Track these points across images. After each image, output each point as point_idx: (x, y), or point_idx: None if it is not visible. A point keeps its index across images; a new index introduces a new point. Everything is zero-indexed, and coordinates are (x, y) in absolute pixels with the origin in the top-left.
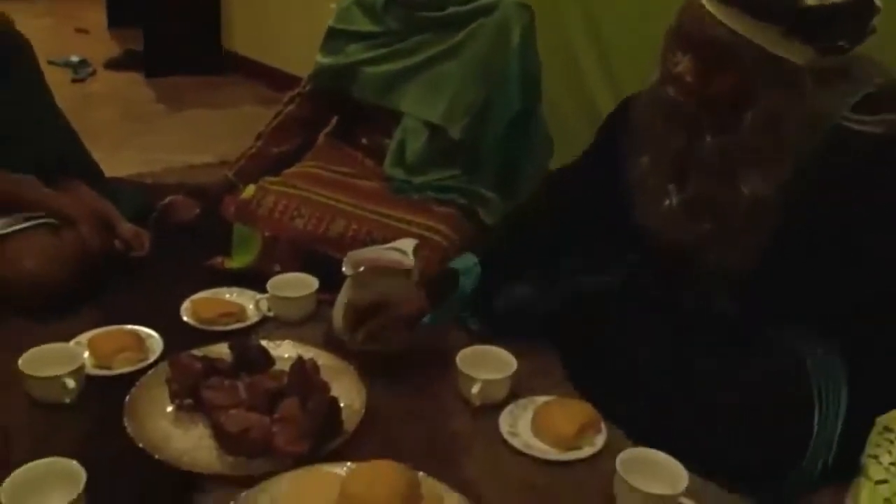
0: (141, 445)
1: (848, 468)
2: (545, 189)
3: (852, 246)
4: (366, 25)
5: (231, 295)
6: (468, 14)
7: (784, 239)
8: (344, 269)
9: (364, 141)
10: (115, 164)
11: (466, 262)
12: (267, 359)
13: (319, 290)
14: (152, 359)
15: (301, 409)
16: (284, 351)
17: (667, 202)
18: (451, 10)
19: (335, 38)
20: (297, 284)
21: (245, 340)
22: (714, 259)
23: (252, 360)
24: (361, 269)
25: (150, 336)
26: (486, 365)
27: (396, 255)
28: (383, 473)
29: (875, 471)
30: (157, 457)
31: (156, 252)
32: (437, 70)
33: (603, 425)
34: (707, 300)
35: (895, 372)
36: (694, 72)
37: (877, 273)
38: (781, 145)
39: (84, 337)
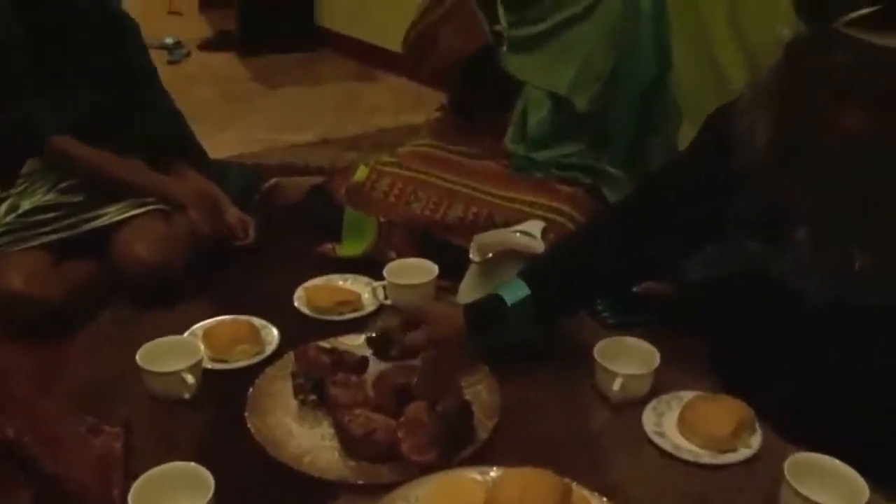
0: (261, 444)
1: None
2: (643, 193)
3: None
4: None
5: (345, 282)
6: None
7: None
8: (471, 254)
9: (483, 116)
10: (217, 145)
11: (516, 291)
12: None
13: (439, 277)
14: (269, 351)
15: (430, 412)
16: None
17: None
18: None
19: None
20: (416, 270)
21: (385, 336)
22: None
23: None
24: (490, 255)
25: (265, 326)
26: (625, 357)
27: (525, 240)
28: (534, 481)
29: None
30: (276, 458)
31: (263, 237)
32: (563, 37)
33: (757, 425)
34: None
35: None
36: (873, 122)
37: None
38: None
39: (198, 328)
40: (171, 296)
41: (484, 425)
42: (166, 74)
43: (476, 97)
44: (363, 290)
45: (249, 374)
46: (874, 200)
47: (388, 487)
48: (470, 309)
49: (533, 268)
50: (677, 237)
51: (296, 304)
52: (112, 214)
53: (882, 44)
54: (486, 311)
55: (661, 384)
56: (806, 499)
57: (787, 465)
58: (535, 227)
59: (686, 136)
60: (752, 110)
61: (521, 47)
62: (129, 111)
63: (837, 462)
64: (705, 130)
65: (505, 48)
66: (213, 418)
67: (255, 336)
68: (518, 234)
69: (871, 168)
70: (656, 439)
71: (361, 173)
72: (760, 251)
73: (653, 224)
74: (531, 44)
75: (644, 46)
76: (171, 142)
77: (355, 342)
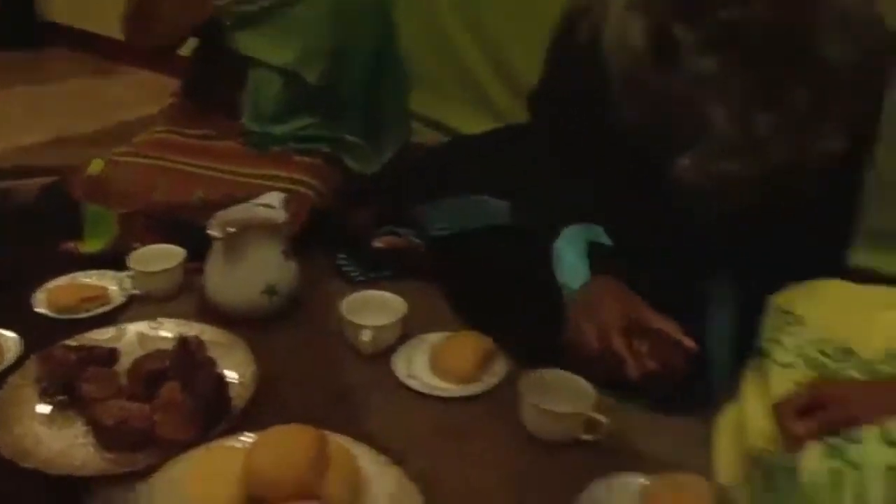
0: (9, 457)
1: None
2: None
3: None
4: None
5: (90, 278)
6: None
7: None
8: (210, 231)
9: (217, 97)
10: None
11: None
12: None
13: (187, 260)
14: (11, 359)
15: (183, 391)
16: (168, 330)
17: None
18: None
19: None
20: (162, 257)
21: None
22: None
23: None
24: (231, 230)
25: (3, 336)
26: (372, 310)
27: (265, 212)
28: (289, 438)
29: (780, 354)
30: (22, 465)
31: None
32: (286, 16)
33: (501, 355)
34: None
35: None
36: None
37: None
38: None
39: None
40: None
41: (241, 396)
42: None
43: (209, 79)
44: (110, 283)
45: None
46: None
47: (148, 471)
48: None
49: None
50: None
51: (37, 308)
52: None
53: None
54: None
55: (409, 330)
56: (539, 408)
57: (521, 382)
58: (275, 198)
59: (419, 99)
60: (621, 17)
61: (245, 23)
62: None
63: (564, 372)
64: (554, 52)
65: (229, 23)
66: None
67: None
68: (258, 207)
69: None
70: (408, 382)
71: (96, 166)
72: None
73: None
74: (255, 20)
75: (368, 20)
76: None
77: (104, 336)
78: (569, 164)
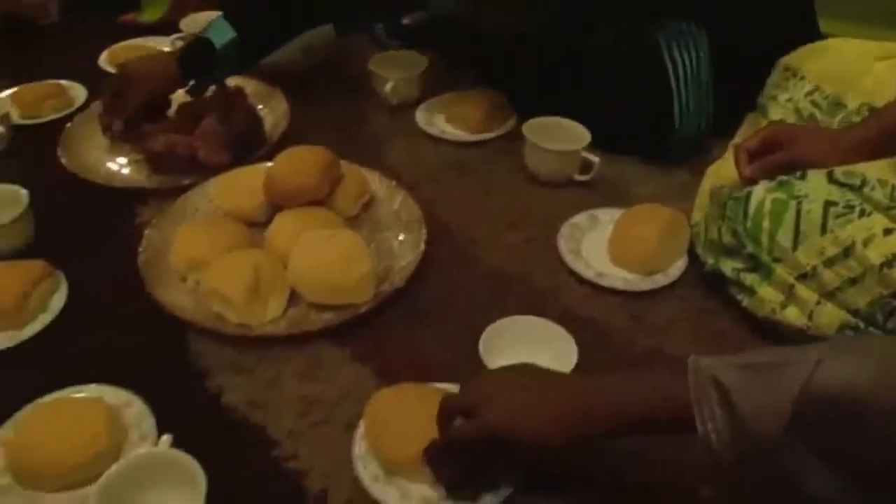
0: (75, 171)
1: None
2: None
3: None
4: None
5: (148, 43)
6: None
7: None
8: None
9: None
10: None
11: (223, 34)
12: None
13: None
14: (77, 105)
15: (221, 123)
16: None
17: None
18: None
19: None
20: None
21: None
22: None
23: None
24: None
25: (72, 86)
26: (398, 66)
27: None
28: (303, 157)
29: (774, 111)
30: (87, 177)
31: (64, 15)
32: None
33: (511, 110)
34: None
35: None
36: None
37: None
38: None
39: (4, 93)
40: None
41: (274, 132)
42: None
43: None
44: (166, 46)
45: (61, 127)
46: None
47: (191, 188)
48: (181, 59)
49: (237, 9)
50: None
51: (102, 65)
52: None
53: None
54: (197, 58)
55: (434, 88)
56: (538, 146)
57: (525, 126)
58: None
59: None
60: None
61: None
62: None
63: (564, 119)
64: None
65: None
66: (28, 164)
67: (63, 93)
68: None
69: None
70: (426, 128)
71: None
72: None
73: None
74: None
75: None
76: None
77: None
78: None
